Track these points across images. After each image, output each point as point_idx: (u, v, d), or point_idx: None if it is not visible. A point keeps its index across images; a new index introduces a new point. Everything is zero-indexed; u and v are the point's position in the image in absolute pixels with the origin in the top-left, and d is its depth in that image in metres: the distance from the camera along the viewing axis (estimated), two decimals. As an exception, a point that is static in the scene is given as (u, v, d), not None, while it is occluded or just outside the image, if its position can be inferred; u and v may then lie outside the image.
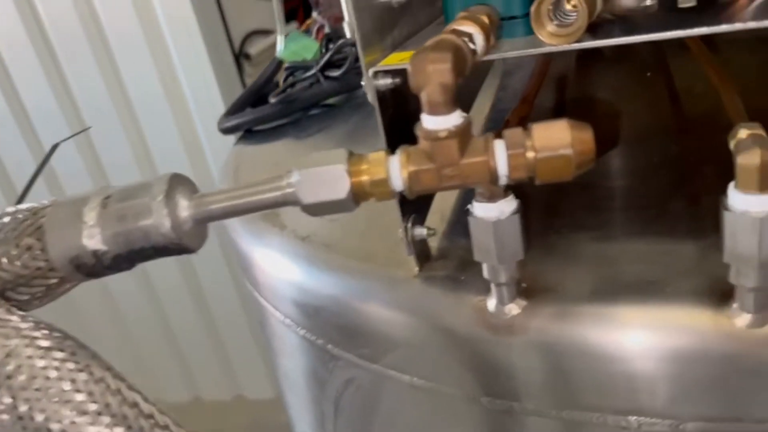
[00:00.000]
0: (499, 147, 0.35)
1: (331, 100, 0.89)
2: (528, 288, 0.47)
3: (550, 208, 0.54)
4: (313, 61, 0.90)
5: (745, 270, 0.39)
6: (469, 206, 0.43)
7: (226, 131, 0.96)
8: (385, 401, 0.56)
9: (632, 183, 0.55)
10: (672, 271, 0.44)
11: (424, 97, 0.35)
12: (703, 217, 0.48)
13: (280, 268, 0.61)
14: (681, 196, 0.51)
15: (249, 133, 0.93)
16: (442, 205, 0.57)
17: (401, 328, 0.51)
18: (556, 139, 0.35)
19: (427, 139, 0.36)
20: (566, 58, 0.73)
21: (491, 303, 0.47)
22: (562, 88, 0.67)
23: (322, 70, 0.86)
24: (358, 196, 0.37)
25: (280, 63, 1.00)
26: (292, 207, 0.59)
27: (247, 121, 0.92)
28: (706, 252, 0.45)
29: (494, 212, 0.42)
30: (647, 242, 0.48)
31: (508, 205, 0.42)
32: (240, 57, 1.70)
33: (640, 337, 0.42)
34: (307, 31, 1.10)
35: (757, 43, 0.70)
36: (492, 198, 0.42)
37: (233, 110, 0.98)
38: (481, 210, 0.43)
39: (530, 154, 0.35)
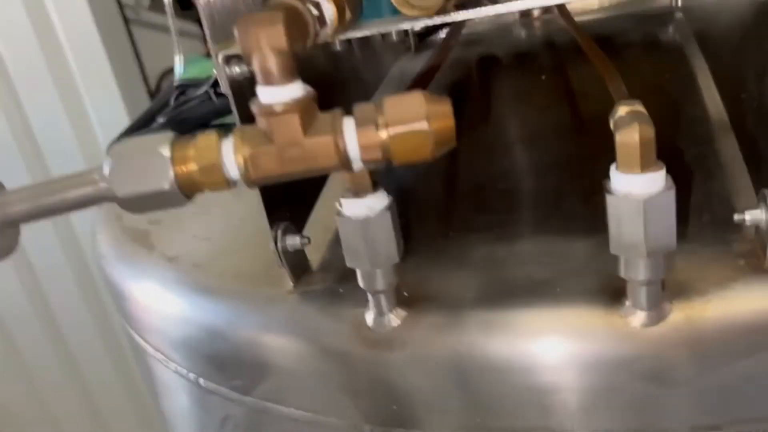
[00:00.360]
0: (348, 124, 0.31)
1: (226, 119, 0.84)
2: (410, 297, 0.41)
3: (438, 212, 0.50)
4: (206, 78, 0.84)
5: (634, 261, 0.35)
6: (336, 204, 0.38)
7: (114, 157, 0.88)
8: (264, 439, 0.49)
9: (525, 184, 0.51)
10: (563, 271, 0.40)
11: (254, 64, 0.30)
12: (596, 214, 0.44)
13: (146, 294, 0.54)
14: (574, 194, 0.47)
15: (138, 158, 0.86)
16: (327, 213, 0.52)
17: (274, 353, 0.45)
18: (411, 113, 0.30)
19: (263, 116, 0.30)
20: (464, 67, 0.70)
21: (369, 315, 0.41)
22: (458, 93, 0.64)
23: (214, 86, 0.81)
24: (185, 186, 0.31)
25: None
26: (164, 226, 0.53)
27: (135, 144, 0.85)
28: (599, 249, 0.41)
29: (363, 209, 0.37)
30: (539, 243, 0.43)
31: (378, 201, 0.38)
32: (156, 94, 1.63)
33: (529, 344, 0.38)
34: (209, 55, 1.05)
35: (652, 49, 0.69)
36: (359, 193, 0.37)
37: (123, 136, 0.91)
38: (349, 207, 0.38)
39: (383, 131, 0.30)
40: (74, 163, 1.50)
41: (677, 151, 0.48)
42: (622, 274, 0.36)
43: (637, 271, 0.35)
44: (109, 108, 1.48)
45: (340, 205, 0.38)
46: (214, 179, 0.31)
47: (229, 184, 0.32)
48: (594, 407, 0.37)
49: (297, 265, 0.46)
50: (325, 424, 0.44)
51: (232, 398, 0.49)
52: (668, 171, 0.33)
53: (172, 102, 0.87)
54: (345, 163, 0.31)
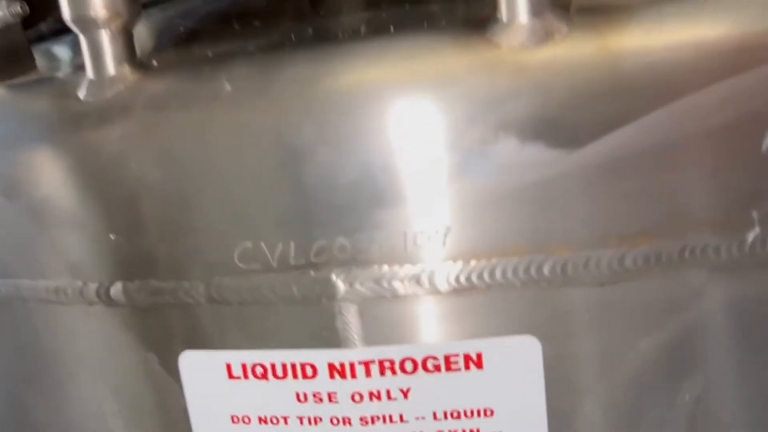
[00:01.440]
0: None
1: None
2: (162, 66, 0.25)
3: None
4: None
5: None
6: None
7: None
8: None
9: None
10: (408, 16, 0.25)
11: None
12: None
13: None
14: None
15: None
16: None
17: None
18: None
19: None
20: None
21: (84, 82, 0.25)
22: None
23: None
24: None
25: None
26: None
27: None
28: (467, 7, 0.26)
29: None
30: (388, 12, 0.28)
31: None
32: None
33: (343, 98, 0.22)
34: None
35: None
36: None
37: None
38: None
39: None
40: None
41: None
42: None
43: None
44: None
45: None
46: None
47: None
48: (441, 195, 0.21)
49: (9, 50, 0.29)
50: (15, 293, 0.26)
51: None
52: None
53: None
54: None
